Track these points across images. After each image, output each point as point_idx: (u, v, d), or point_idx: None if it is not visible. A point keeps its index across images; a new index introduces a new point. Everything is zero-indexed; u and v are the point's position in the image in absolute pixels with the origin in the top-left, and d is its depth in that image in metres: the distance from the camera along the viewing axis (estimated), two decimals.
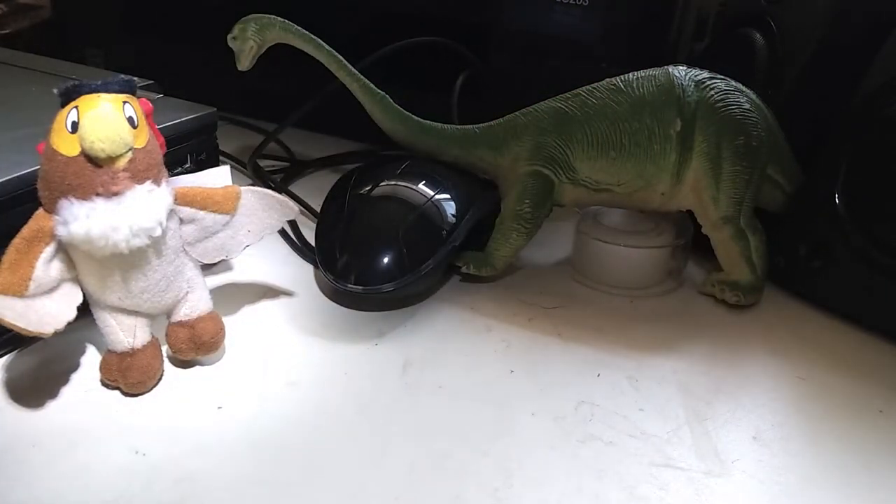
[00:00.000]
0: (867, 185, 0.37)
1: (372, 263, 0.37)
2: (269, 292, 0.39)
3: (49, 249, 0.29)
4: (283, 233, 0.43)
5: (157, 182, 0.30)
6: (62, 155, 0.28)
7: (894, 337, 0.37)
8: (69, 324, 0.29)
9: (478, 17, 0.52)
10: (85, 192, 0.28)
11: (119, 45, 0.64)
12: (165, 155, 0.31)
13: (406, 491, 0.27)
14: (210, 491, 0.27)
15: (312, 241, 0.41)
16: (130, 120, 0.29)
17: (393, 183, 0.40)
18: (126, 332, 0.31)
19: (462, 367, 0.34)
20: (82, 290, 0.30)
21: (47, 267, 0.29)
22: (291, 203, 0.34)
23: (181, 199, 0.31)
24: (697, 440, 0.30)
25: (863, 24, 0.40)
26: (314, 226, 0.41)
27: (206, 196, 0.32)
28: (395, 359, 0.34)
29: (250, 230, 0.33)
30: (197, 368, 0.33)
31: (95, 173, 0.28)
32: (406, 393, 0.32)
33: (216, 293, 0.34)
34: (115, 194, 0.28)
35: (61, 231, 0.28)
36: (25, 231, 0.29)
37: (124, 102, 0.29)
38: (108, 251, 0.28)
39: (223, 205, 0.32)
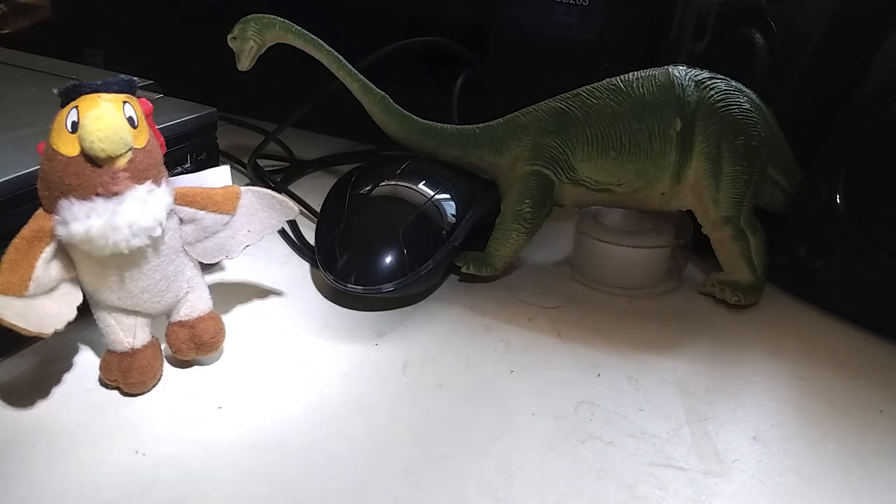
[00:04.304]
0: (867, 185, 0.37)
1: (372, 263, 0.37)
2: (269, 292, 0.39)
3: (49, 249, 0.29)
4: (283, 233, 0.43)
5: (157, 182, 0.30)
6: (62, 155, 0.28)
7: (894, 337, 0.37)
8: (69, 324, 0.29)
9: (478, 18, 0.52)
10: (85, 192, 0.28)
11: (119, 45, 0.64)
12: (165, 155, 0.31)
13: (406, 491, 0.27)
14: (210, 491, 0.27)
15: (312, 241, 0.41)
16: (130, 120, 0.29)
17: (393, 183, 0.40)
18: (126, 332, 0.31)
19: (462, 367, 0.34)
20: (82, 290, 0.30)
21: (47, 267, 0.29)
22: (291, 203, 0.34)
23: (181, 199, 0.31)
24: (697, 440, 0.30)
25: (863, 24, 0.40)
26: (314, 226, 0.41)
27: (206, 196, 0.32)
28: (395, 359, 0.34)
29: (250, 230, 0.33)
30: (197, 368, 0.33)
31: (95, 173, 0.28)
32: (406, 393, 0.32)
33: (216, 293, 0.34)
34: (115, 194, 0.28)
35: (61, 231, 0.28)
36: (25, 231, 0.29)
37: (124, 102, 0.29)
38: (108, 251, 0.28)
39: (223, 205, 0.32)
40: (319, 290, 0.39)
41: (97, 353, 0.33)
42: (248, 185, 0.36)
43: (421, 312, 0.38)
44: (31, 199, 0.30)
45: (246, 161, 0.50)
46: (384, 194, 0.39)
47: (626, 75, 0.38)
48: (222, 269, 0.40)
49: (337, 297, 0.39)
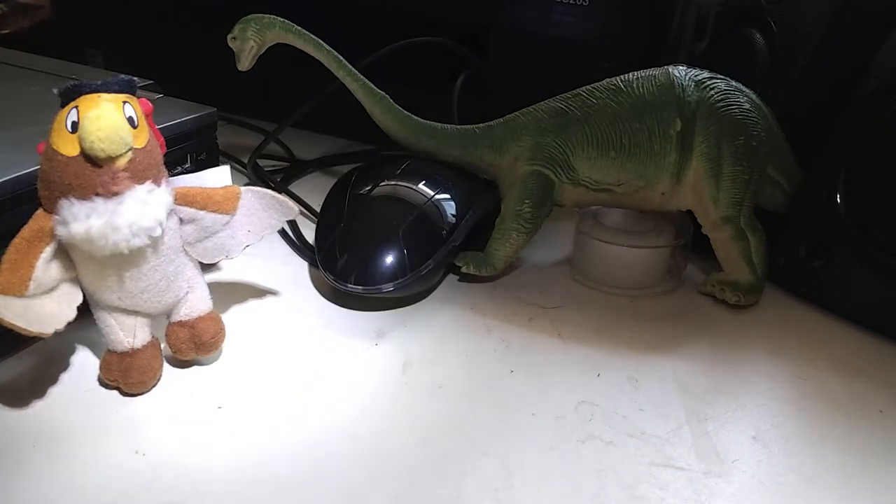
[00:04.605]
0: (867, 185, 0.37)
1: (372, 263, 0.37)
2: (269, 292, 0.39)
3: (49, 249, 0.29)
4: (283, 233, 0.43)
5: (157, 182, 0.30)
6: (62, 155, 0.28)
7: (894, 337, 0.37)
8: (69, 324, 0.29)
9: (478, 17, 0.52)
10: (85, 192, 0.28)
11: (119, 45, 0.64)
12: (165, 155, 0.31)
13: (406, 491, 0.27)
14: (210, 491, 0.27)
15: (312, 241, 0.41)
16: (130, 120, 0.29)
17: (393, 183, 0.40)
18: (126, 332, 0.31)
19: (462, 367, 0.34)
20: (82, 290, 0.30)
21: (47, 267, 0.29)
22: (291, 203, 0.34)
23: (181, 199, 0.31)
24: (697, 440, 0.30)
25: (863, 24, 0.40)
26: (314, 226, 0.41)
27: (206, 196, 0.32)
28: (395, 359, 0.34)
29: (250, 230, 0.33)
30: (197, 368, 0.33)
31: (95, 173, 0.28)
32: (406, 393, 0.32)
33: (216, 293, 0.34)
34: (115, 194, 0.28)
35: (61, 231, 0.28)
36: (25, 231, 0.29)
37: (124, 102, 0.29)
38: (108, 251, 0.28)
39: (223, 205, 0.32)
40: (319, 290, 0.39)
41: (97, 353, 0.33)
42: (247, 185, 0.36)
43: (421, 312, 0.38)
44: (31, 199, 0.30)
45: (246, 161, 0.50)
46: (384, 194, 0.39)
47: (626, 75, 0.38)
48: (222, 269, 0.40)
49: (337, 297, 0.39)
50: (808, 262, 0.39)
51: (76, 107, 0.28)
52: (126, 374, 0.31)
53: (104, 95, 0.29)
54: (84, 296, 0.30)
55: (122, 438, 0.29)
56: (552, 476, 0.28)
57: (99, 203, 0.28)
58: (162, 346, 0.33)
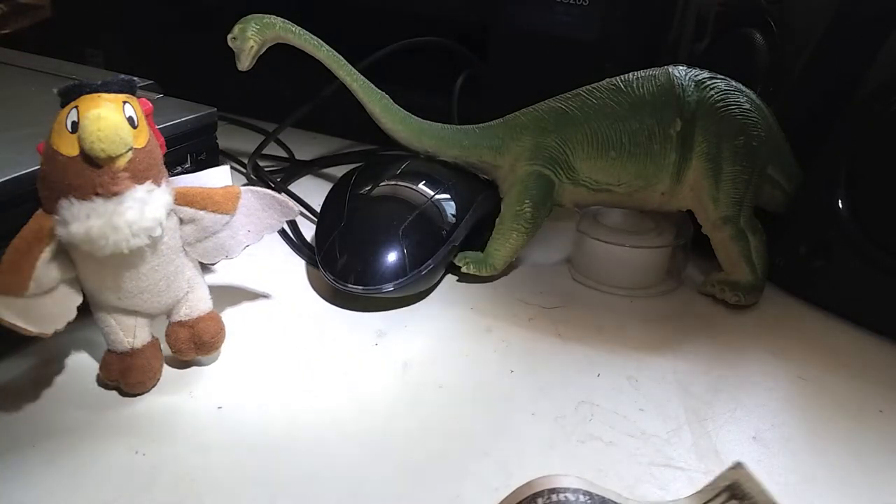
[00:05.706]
0: (868, 185, 0.37)
1: (372, 263, 0.37)
2: (268, 292, 0.39)
3: (49, 249, 0.29)
4: (282, 233, 0.43)
5: (156, 182, 0.30)
6: (62, 155, 0.28)
7: (894, 337, 0.37)
8: (69, 324, 0.29)
9: (478, 17, 0.52)
10: (85, 192, 0.28)
11: (119, 45, 0.64)
12: (165, 155, 0.31)
13: (406, 491, 0.27)
14: (210, 491, 0.27)
15: (312, 241, 0.41)
16: (130, 120, 0.29)
17: (393, 183, 0.40)
18: (126, 332, 0.31)
19: (462, 367, 0.34)
20: (82, 290, 0.30)
21: (47, 267, 0.29)
22: (291, 203, 0.34)
23: (181, 199, 0.31)
24: (697, 440, 0.30)
25: (863, 24, 0.41)
26: (314, 226, 0.41)
27: (206, 196, 0.32)
28: (395, 359, 0.34)
29: (250, 230, 0.33)
30: (197, 368, 0.33)
31: (95, 173, 0.28)
32: (406, 393, 0.32)
33: (216, 293, 0.34)
34: (115, 194, 0.28)
35: (61, 231, 0.28)
36: (25, 231, 0.29)
37: (124, 102, 0.29)
38: (109, 251, 0.28)
39: (223, 205, 0.32)
40: (319, 290, 0.39)
41: (97, 353, 0.33)
42: (247, 185, 0.36)
43: (421, 312, 0.38)
44: (31, 199, 0.30)
45: (246, 161, 0.50)
46: (384, 194, 0.40)
47: (626, 75, 0.38)
48: (223, 269, 0.40)
49: (337, 297, 0.39)
50: (808, 262, 0.39)
51: (76, 107, 0.28)
52: (126, 374, 0.31)
53: (104, 95, 0.29)
54: (84, 296, 0.30)
55: (122, 438, 0.29)
56: None
57: (99, 203, 0.28)
58: (162, 346, 0.33)
